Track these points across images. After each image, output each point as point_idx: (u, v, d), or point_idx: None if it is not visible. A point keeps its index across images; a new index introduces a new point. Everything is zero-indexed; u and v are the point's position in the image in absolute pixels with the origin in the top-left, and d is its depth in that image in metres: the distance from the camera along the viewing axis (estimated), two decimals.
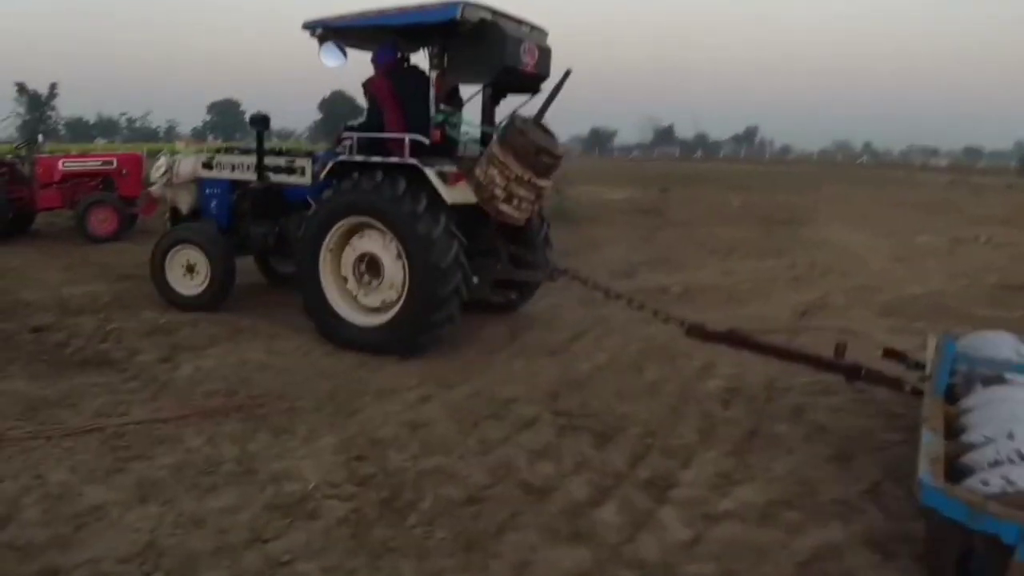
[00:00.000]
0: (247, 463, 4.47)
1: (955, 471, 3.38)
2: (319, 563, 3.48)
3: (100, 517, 3.82)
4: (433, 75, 6.77)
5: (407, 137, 6.61)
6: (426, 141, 6.68)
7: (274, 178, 7.91)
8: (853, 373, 5.18)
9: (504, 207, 6.43)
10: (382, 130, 6.97)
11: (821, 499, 4.21)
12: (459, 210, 6.58)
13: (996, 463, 3.32)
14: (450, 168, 6.56)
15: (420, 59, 7.34)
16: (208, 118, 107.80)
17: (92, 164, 14.06)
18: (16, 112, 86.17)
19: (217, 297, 7.95)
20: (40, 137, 17.42)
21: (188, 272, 8.02)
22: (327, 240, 6.89)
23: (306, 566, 3.45)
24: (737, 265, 11.91)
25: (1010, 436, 3.48)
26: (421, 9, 6.47)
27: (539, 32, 7.17)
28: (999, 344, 4.96)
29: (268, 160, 7.92)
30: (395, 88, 7.03)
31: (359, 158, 6.80)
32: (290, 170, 7.84)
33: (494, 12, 6.50)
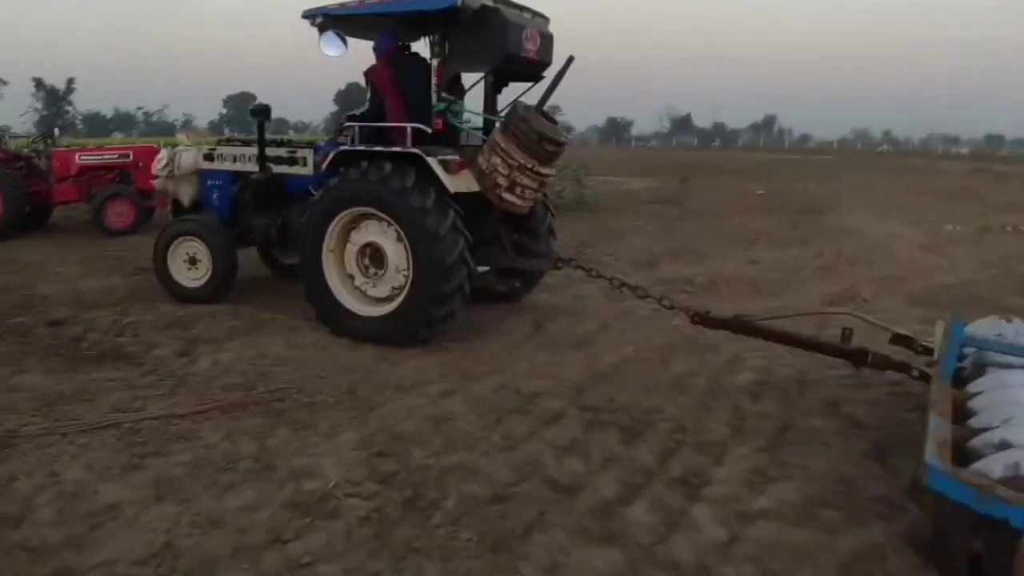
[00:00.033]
0: (266, 460, 4.36)
1: (963, 455, 3.32)
2: (341, 565, 3.36)
3: (115, 516, 3.71)
4: (434, 63, 6.72)
5: (409, 126, 6.56)
6: (428, 130, 6.63)
7: (276, 169, 7.85)
8: (860, 358, 5.10)
9: (507, 196, 6.36)
10: (384, 119, 6.92)
11: (861, 497, 4.04)
12: (462, 199, 6.52)
13: (1004, 447, 3.26)
14: (453, 157, 6.52)
15: (421, 47, 7.30)
16: (224, 111, 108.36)
17: (108, 157, 14.02)
18: (34, 107, 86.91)
19: (219, 289, 7.91)
20: (56, 131, 17.39)
21: (190, 264, 7.97)
22: (330, 228, 6.84)
23: (327, 568, 3.34)
24: (761, 255, 11.70)
25: (1018, 421, 3.44)
26: None
27: (541, 19, 7.09)
28: (1007, 329, 4.90)
29: (270, 151, 7.87)
30: (396, 77, 6.98)
31: (361, 147, 6.74)
32: (292, 161, 7.78)
33: None
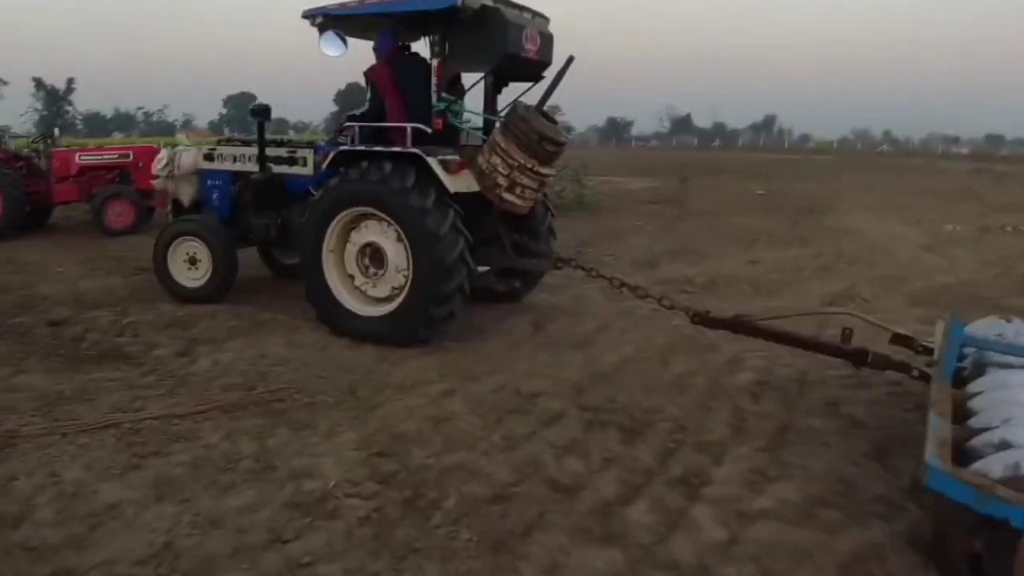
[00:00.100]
0: (266, 460, 4.35)
1: (963, 455, 3.31)
2: (341, 565, 3.35)
3: (115, 516, 3.71)
4: (434, 63, 6.72)
5: (409, 126, 6.56)
6: (428, 130, 6.63)
7: (276, 169, 7.85)
8: (860, 358, 5.09)
9: (507, 195, 6.36)
10: (384, 119, 6.92)
11: (861, 497, 4.03)
12: (462, 199, 6.52)
13: (1004, 447, 3.25)
14: (453, 157, 6.52)
15: (421, 47, 7.29)
16: (224, 111, 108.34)
17: (108, 157, 14.01)
18: (34, 107, 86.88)
19: (220, 289, 7.91)
20: (56, 131, 17.38)
21: (190, 264, 7.97)
22: (330, 228, 6.83)
23: (327, 568, 3.33)
24: (761, 255, 11.69)
25: (1018, 421, 3.43)
26: None
27: (541, 19, 7.08)
28: (1007, 329, 4.90)
29: (269, 151, 7.87)
30: (396, 77, 6.98)
31: (361, 147, 6.74)
32: (292, 161, 7.78)
33: None
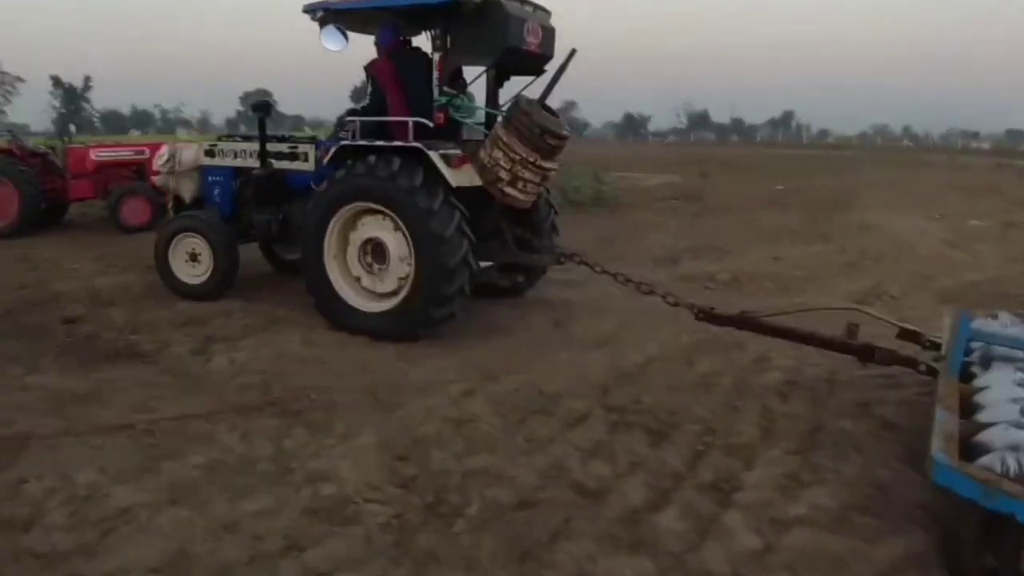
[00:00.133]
0: (283, 462, 4.24)
1: (970, 450, 3.26)
2: (360, 574, 3.23)
3: (128, 521, 3.59)
4: (436, 57, 6.69)
5: (410, 120, 6.52)
6: (430, 124, 6.61)
7: (277, 164, 7.80)
8: (866, 354, 5.07)
9: (509, 190, 6.33)
10: (385, 114, 6.88)
11: (897, 503, 3.88)
12: (464, 193, 6.48)
13: (1011, 442, 3.19)
14: (454, 151, 6.50)
15: (423, 41, 7.27)
16: (241, 108, 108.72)
17: (124, 154, 13.97)
18: (52, 105, 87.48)
19: (221, 285, 7.84)
20: (73, 128, 17.41)
21: (191, 260, 7.91)
22: (333, 222, 6.80)
23: None
24: (784, 251, 11.50)
25: None
26: None
27: (543, 12, 7.02)
28: (1014, 323, 4.87)
29: (271, 146, 7.80)
30: (398, 71, 6.96)
31: (363, 142, 6.69)
32: (293, 156, 7.73)
33: None
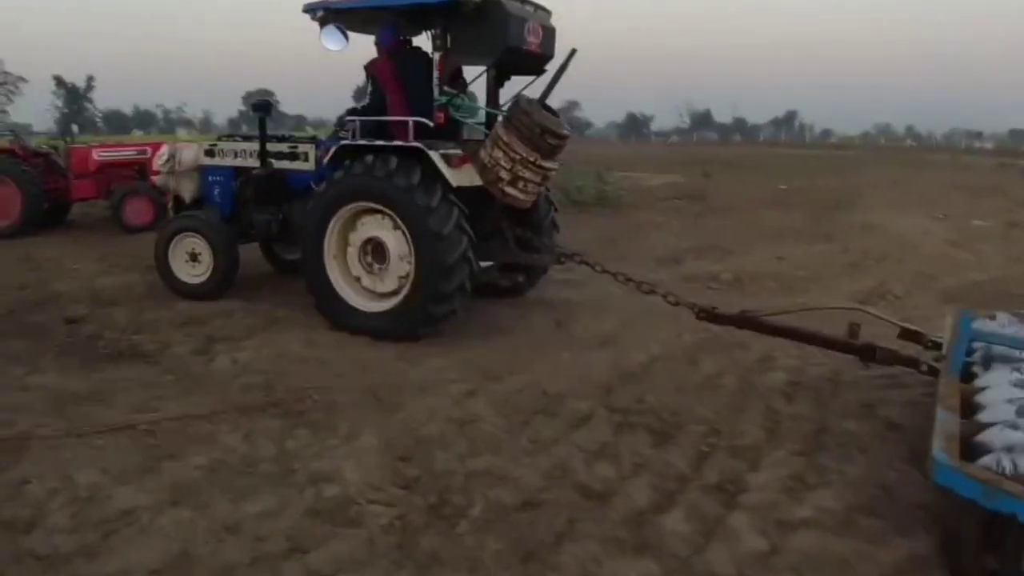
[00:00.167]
0: (285, 463, 4.22)
1: (971, 450, 3.26)
2: None
3: (130, 522, 3.57)
4: (436, 57, 6.69)
5: (411, 120, 6.51)
6: (430, 124, 6.61)
7: (277, 164, 7.78)
8: (868, 354, 5.05)
9: (510, 189, 6.34)
10: (385, 113, 6.88)
11: (902, 505, 3.86)
12: (464, 193, 6.48)
13: (1007, 443, 3.19)
14: (455, 151, 6.50)
15: (423, 41, 7.27)
16: (243, 108, 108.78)
17: (126, 154, 13.97)
18: (55, 105, 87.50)
19: (221, 285, 7.83)
20: (75, 128, 17.40)
21: (191, 260, 7.90)
22: (333, 222, 6.79)
23: None
24: (787, 251, 11.48)
25: None
26: None
27: (543, 12, 7.02)
28: (1012, 323, 4.87)
29: (271, 146, 7.79)
30: (398, 70, 6.96)
31: (363, 142, 6.68)
32: (293, 156, 7.72)
33: None
